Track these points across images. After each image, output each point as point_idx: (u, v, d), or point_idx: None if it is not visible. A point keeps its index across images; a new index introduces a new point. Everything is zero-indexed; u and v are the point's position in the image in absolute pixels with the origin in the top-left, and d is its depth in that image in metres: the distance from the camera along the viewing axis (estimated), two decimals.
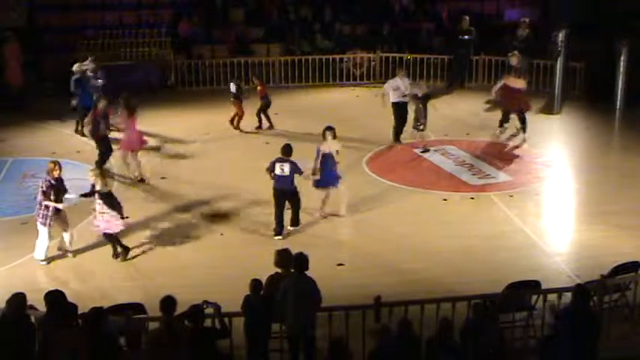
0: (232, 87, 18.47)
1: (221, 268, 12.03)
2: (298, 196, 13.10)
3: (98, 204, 12.03)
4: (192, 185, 15.23)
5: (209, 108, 19.95)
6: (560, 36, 19.39)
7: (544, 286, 10.13)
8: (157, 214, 13.95)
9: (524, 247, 12.56)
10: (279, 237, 12.90)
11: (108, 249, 12.47)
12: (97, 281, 11.73)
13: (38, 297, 8.99)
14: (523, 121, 17.55)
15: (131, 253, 12.40)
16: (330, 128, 13.51)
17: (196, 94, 21.13)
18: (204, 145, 17.70)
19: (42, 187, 12.06)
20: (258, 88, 18.71)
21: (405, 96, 16.87)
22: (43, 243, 12.14)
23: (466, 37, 21.71)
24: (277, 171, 12.87)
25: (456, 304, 9.60)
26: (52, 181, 12.07)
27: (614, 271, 10.35)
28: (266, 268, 9.81)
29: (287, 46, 23.59)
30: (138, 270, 12.06)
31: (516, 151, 16.97)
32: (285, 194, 12.98)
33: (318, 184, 13.51)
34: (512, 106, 17.55)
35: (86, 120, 16.34)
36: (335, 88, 22.29)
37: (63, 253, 12.46)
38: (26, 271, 11.86)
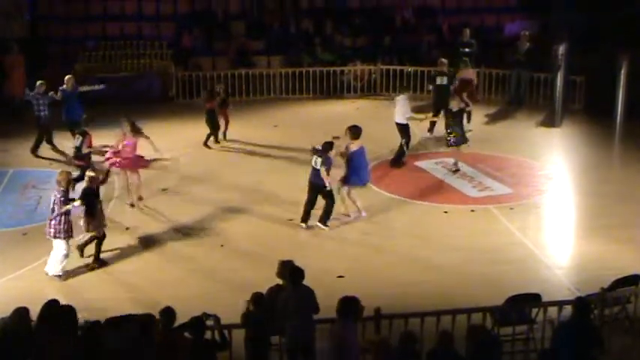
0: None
1: (221, 280, 12.02)
2: None
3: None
4: (192, 198, 15.22)
5: None
6: (560, 49, 19.44)
7: (544, 299, 10.12)
8: (157, 226, 13.93)
9: (525, 260, 12.54)
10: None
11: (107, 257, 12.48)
12: (95, 293, 11.69)
13: (38, 308, 8.95)
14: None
15: (132, 266, 12.38)
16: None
17: (197, 106, 21.12)
18: (204, 157, 17.71)
19: (59, 198, 11.82)
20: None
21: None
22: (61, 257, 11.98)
23: (467, 49, 21.76)
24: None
25: (456, 316, 9.59)
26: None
27: (615, 284, 10.35)
28: (266, 280, 9.80)
29: (291, 59, 23.64)
30: (137, 281, 12.03)
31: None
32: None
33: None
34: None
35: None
36: (335, 101, 22.32)
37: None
38: (26, 283, 11.82)
